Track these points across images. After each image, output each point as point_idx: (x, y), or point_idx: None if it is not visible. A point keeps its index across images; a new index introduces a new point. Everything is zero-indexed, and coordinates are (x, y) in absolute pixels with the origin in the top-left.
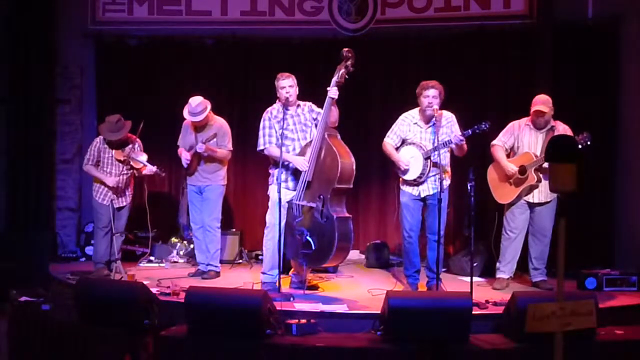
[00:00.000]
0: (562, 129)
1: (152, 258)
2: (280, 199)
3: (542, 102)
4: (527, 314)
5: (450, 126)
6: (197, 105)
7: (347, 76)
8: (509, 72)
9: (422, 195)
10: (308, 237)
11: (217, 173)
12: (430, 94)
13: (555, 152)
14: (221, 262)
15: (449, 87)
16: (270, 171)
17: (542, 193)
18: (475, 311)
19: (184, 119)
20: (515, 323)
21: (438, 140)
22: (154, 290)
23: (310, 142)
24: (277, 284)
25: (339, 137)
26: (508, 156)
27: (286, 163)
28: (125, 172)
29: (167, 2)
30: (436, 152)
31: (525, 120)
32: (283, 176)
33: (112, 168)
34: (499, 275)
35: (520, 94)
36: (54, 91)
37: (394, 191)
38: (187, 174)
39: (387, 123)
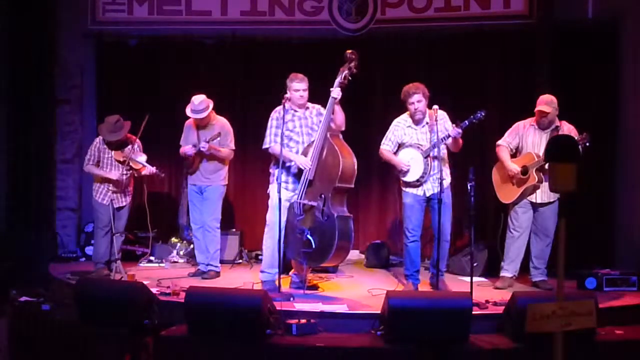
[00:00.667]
0: (567, 129)
1: (152, 258)
2: (280, 199)
3: (545, 102)
4: (527, 314)
5: (443, 123)
6: (199, 103)
7: (350, 78)
8: (509, 72)
9: (427, 195)
10: (309, 236)
11: (218, 173)
12: (415, 100)
13: (555, 152)
14: (221, 262)
15: (448, 87)
16: (271, 170)
17: (545, 193)
18: (475, 311)
19: (184, 119)
20: (515, 323)
21: (438, 138)
22: (154, 290)
23: (312, 142)
24: (277, 283)
25: (341, 137)
26: (514, 156)
27: (288, 164)
28: (125, 172)
29: (167, 2)
30: (435, 149)
31: (530, 120)
32: (284, 177)
33: (111, 168)
34: (502, 273)
35: (520, 93)
36: (54, 91)
37: (394, 191)
38: (188, 172)
39: (388, 123)
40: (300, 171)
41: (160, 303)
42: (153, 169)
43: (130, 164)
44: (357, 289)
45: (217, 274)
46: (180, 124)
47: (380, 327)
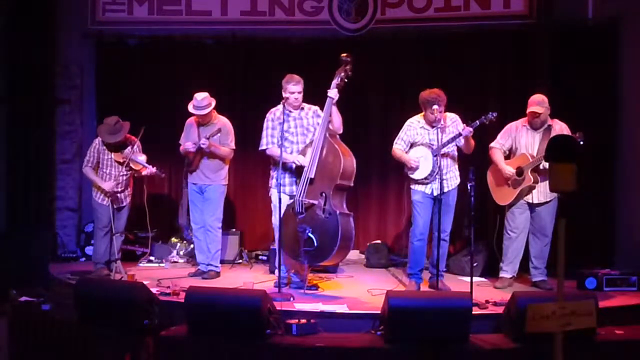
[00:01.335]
0: (559, 127)
1: (152, 258)
2: (280, 200)
3: (536, 103)
4: (527, 314)
5: (455, 125)
6: (202, 100)
7: (346, 80)
8: (509, 72)
9: (435, 194)
10: (310, 234)
11: (219, 172)
12: (436, 109)
13: (555, 152)
14: (221, 262)
15: (448, 87)
16: (271, 172)
17: (542, 193)
18: (475, 311)
19: (184, 118)
20: (515, 323)
21: (440, 140)
22: (154, 290)
23: (311, 142)
24: (278, 283)
25: (338, 138)
26: (508, 158)
27: (287, 166)
28: (125, 173)
29: (167, 2)
30: (444, 148)
31: (522, 121)
32: (283, 178)
33: (111, 169)
34: (502, 274)
35: (519, 94)
36: (54, 91)
37: (394, 191)
38: (188, 170)
39: (387, 123)
40: (300, 171)
41: (160, 303)
42: (153, 169)
43: (130, 164)
44: (357, 289)
45: (217, 274)
46: (180, 124)
47: (380, 327)
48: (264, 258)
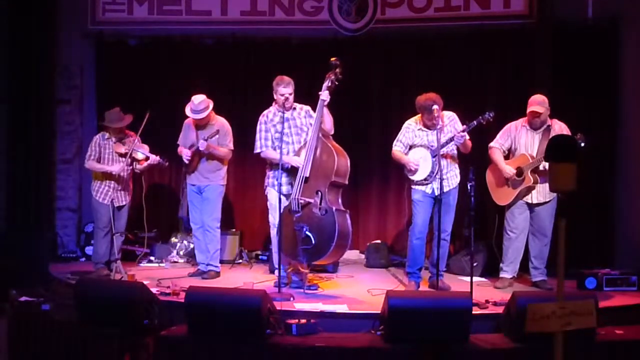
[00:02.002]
0: (559, 127)
1: (152, 258)
2: (280, 200)
3: (537, 103)
4: (527, 314)
5: (453, 124)
6: (199, 103)
7: (337, 83)
8: (508, 72)
9: (436, 194)
10: (307, 232)
11: (217, 173)
12: (433, 114)
13: (555, 152)
14: (221, 262)
15: (448, 87)
16: (267, 172)
17: (541, 193)
18: (475, 311)
19: (184, 118)
20: (515, 323)
21: (439, 141)
22: (154, 290)
23: (305, 144)
24: (277, 283)
25: (332, 138)
26: (507, 158)
27: (286, 166)
28: (126, 168)
29: (167, 2)
30: (443, 149)
31: (521, 121)
32: (280, 179)
33: (113, 164)
34: (502, 275)
35: (519, 94)
36: (54, 91)
37: (394, 191)
38: (187, 172)
39: (387, 123)
40: (295, 171)
41: (160, 303)
42: (157, 158)
43: (133, 154)
44: (357, 289)
45: (217, 274)
46: (180, 124)
47: (380, 327)
48: (264, 258)
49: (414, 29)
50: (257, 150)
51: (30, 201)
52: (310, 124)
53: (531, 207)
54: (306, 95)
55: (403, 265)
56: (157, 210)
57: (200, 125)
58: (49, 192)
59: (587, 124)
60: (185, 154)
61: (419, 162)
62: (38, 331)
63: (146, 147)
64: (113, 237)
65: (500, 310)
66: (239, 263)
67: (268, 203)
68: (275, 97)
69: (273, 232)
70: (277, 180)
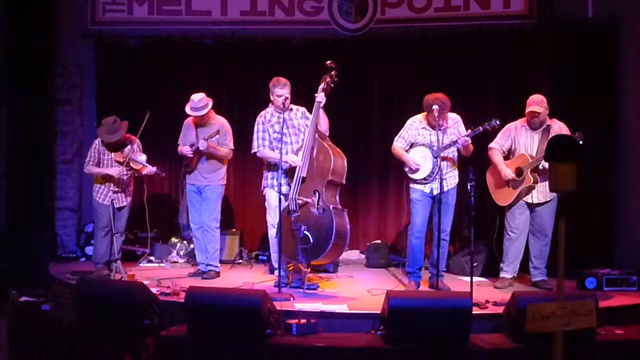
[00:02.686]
0: (558, 127)
1: (152, 258)
2: (280, 200)
3: (536, 103)
4: (527, 314)
5: (457, 127)
6: (199, 101)
7: (332, 85)
8: (508, 72)
9: (435, 193)
10: (306, 232)
11: (217, 172)
12: (439, 115)
13: (555, 152)
14: (221, 262)
15: (448, 87)
16: (264, 173)
17: (541, 193)
18: (475, 311)
19: (184, 118)
20: (515, 323)
21: (441, 142)
22: (154, 290)
23: (302, 146)
24: (277, 283)
25: (328, 139)
26: (506, 158)
27: (285, 167)
28: (125, 172)
29: (167, 2)
30: (446, 150)
31: (521, 121)
32: (278, 179)
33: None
34: (502, 275)
35: (519, 94)
36: (54, 91)
37: (394, 191)
38: (186, 172)
39: (388, 122)
40: (292, 171)
41: (160, 303)
42: (153, 169)
43: (130, 164)
44: (357, 289)
45: (217, 274)
46: (180, 124)
47: (380, 327)
48: (264, 258)
49: (414, 29)
50: (254, 150)
51: (30, 201)
52: (307, 125)
53: (531, 207)
54: (306, 95)
55: (403, 265)
56: (158, 211)
57: (200, 124)
58: (49, 192)
59: (587, 124)
60: (187, 150)
61: (420, 162)
62: (38, 331)
63: (144, 156)
64: (113, 237)
65: (500, 310)
66: (239, 263)
67: (266, 203)
68: (271, 98)
69: (271, 232)
70: (276, 180)
